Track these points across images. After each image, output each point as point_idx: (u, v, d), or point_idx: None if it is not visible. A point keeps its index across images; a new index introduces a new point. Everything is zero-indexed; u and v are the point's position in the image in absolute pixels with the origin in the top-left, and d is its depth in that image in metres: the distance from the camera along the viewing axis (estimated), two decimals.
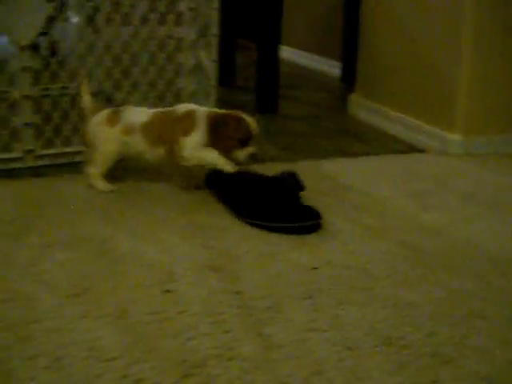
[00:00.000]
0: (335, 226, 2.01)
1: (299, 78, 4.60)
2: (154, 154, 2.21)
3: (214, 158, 2.12)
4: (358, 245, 1.89)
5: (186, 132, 2.14)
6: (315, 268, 1.73)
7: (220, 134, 2.12)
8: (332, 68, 4.72)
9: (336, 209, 2.15)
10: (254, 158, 2.15)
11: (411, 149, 2.90)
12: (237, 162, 2.14)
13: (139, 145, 2.20)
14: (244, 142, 2.12)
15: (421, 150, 2.88)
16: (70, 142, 2.48)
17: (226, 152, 2.12)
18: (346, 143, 2.96)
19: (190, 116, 2.17)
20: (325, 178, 2.45)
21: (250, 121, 2.14)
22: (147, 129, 2.19)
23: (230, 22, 4.01)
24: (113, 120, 2.23)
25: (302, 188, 2.05)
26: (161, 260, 1.74)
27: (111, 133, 2.21)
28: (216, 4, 2.58)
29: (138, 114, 2.23)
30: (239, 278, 1.66)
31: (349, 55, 4.31)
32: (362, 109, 3.39)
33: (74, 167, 2.42)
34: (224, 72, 3.90)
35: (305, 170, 2.42)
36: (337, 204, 2.19)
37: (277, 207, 1.97)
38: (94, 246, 1.81)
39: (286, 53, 5.12)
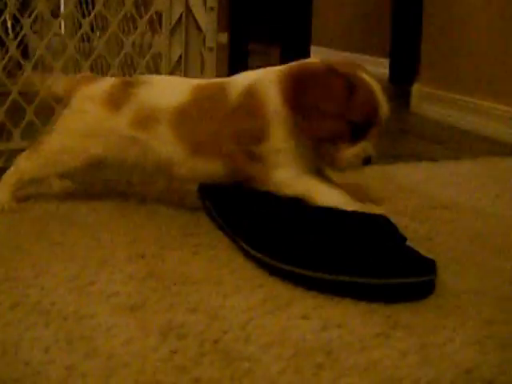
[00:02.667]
0: (446, 286, 0.95)
1: None
2: (197, 169, 1.16)
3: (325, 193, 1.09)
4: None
5: (258, 138, 1.11)
6: None
7: (309, 109, 1.07)
8: (376, 67, 3.67)
9: (439, 244, 1.10)
10: (367, 162, 1.10)
11: None
12: (337, 168, 1.12)
13: (164, 149, 1.16)
14: (360, 131, 1.07)
15: None
16: None
17: (323, 146, 1.09)
18: (418, 146, 1.92)
19: (254, 104, 1.12)
20: (405, 192, 1.39)
21: (376, 88, 1.09)
22: (183, 120, 1.16)
23: (241, 23, 3.19)
24: (118, 99, 1.18)
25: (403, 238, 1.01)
26: None
27: (111, 123, 1.18)
28: None
29: (169, 89, 1.19)
30: None
31: (399, 49, 3.33)
32: (432, 102, 2.34)
33: None
34: None
35: (372, 177, 1.39)
36: (438, 237, 1.14)
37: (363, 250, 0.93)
38: None
39: (318, 54, 4.16)
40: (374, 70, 3.75)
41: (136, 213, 1.20)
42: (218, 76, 1.55)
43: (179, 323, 0.82)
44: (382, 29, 3.49)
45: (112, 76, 1.48)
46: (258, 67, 1.20)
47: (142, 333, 0.80)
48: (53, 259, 1.00)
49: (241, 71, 3.26)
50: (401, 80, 3.19)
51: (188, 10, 1.64)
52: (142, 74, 1.64)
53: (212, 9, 1.62)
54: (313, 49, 3.73)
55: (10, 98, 1.44)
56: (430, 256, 0.95)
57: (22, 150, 1.25)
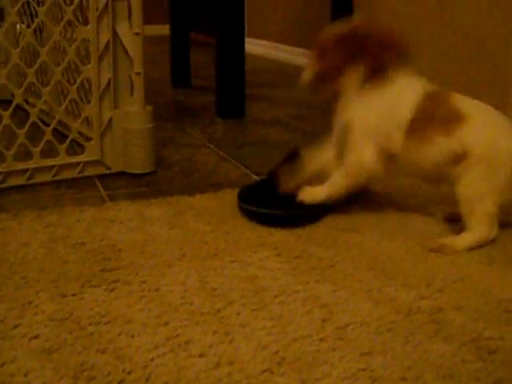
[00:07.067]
0: (335, 318, 1.06)
1: (273, 74, 3.64)
2: None
3: None
4: None
5: None
6: None
7: None
8: None
9: (339, 271, 1.21)
10: None
11: None
12: None
13: None
14: None
15: None
16: None
17: None
18: None
19: None
20: None
21: None
22: None
23: (181, 14, 3.23)
24: None
25: None
26: None
27: None
28: None
29: None
30: None
31: None
32: None
33: None
34: (176, 70, 3.26)
35: None
36: (340, 263, 1.25)
37: None
38: None
39: (255, 46, 4.26)
40: None
41: (62, 245, 1.29)
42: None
43: (90, 365, 0.92)
44: (322, 23, 3.54)
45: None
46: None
47: (57, 376, 0.89)
48: None
49: (183, 62, 3.35)
50: None
51: (115, 36, 1.72)
52: (73, 99, 1.73)
53: (138, 34, 1.71)
54: (251, 41, 3.84)
55: None
56: (328, 284, 1.08)
57: None
